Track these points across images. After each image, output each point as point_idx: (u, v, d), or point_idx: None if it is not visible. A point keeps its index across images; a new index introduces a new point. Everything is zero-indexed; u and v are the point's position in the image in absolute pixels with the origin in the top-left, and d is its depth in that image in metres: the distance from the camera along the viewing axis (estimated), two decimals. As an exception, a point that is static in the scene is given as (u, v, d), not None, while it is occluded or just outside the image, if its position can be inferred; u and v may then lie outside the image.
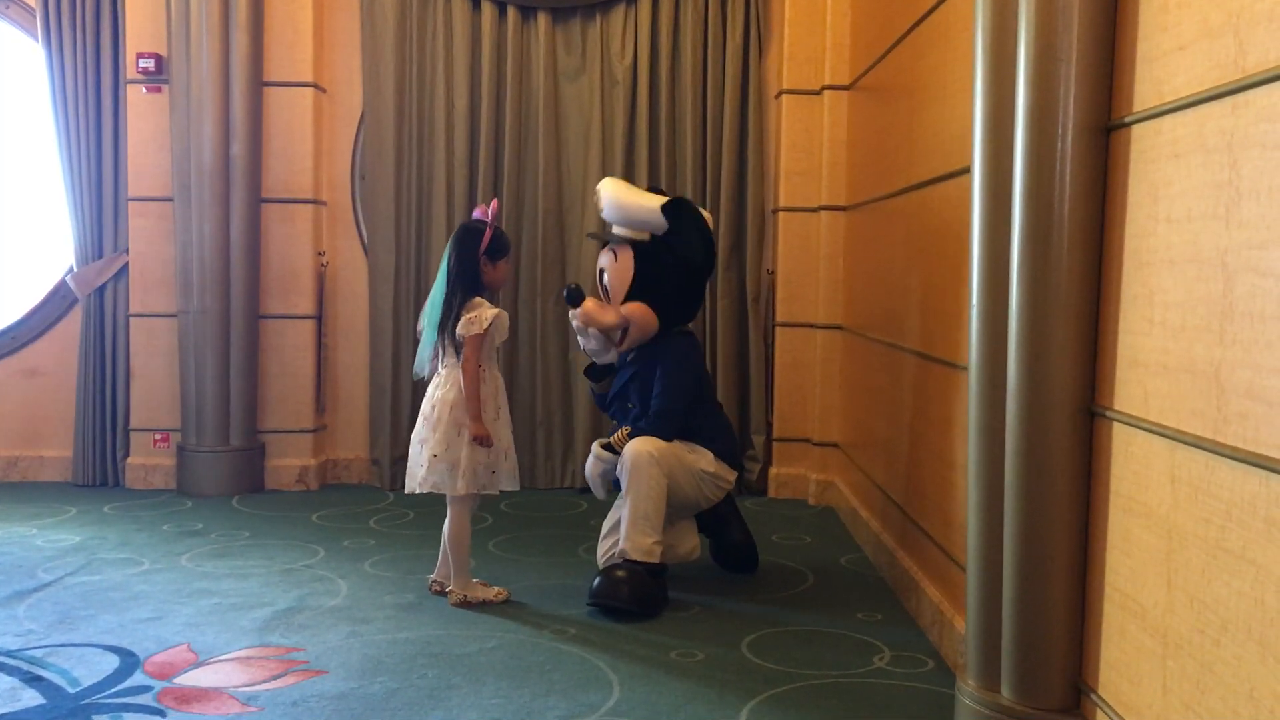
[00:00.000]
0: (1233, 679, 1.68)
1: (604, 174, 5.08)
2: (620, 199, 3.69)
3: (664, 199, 3.67)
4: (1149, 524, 1.95)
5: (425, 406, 3.47)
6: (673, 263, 3.66)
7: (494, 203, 3.54)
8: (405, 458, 5.14)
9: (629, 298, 3.66)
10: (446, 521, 3.48)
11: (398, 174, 5.13)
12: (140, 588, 3.58)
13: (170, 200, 4.95)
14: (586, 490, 4.97)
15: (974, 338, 2.36)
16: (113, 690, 2.75)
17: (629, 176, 5.06)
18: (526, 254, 5.14)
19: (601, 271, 3.76)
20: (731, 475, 3.71)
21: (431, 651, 3.05)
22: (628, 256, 3.67)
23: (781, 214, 5.05)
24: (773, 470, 5.14)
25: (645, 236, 3.68)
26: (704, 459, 3.61)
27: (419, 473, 3.43)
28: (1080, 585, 2.21)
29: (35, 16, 4.99)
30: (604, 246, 3.79)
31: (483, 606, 3.42)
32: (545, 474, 5.17)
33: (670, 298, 3.68)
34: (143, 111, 5.00)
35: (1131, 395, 2.03)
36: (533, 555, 4.06)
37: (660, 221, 3.63)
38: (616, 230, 3.73)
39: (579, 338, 3.82)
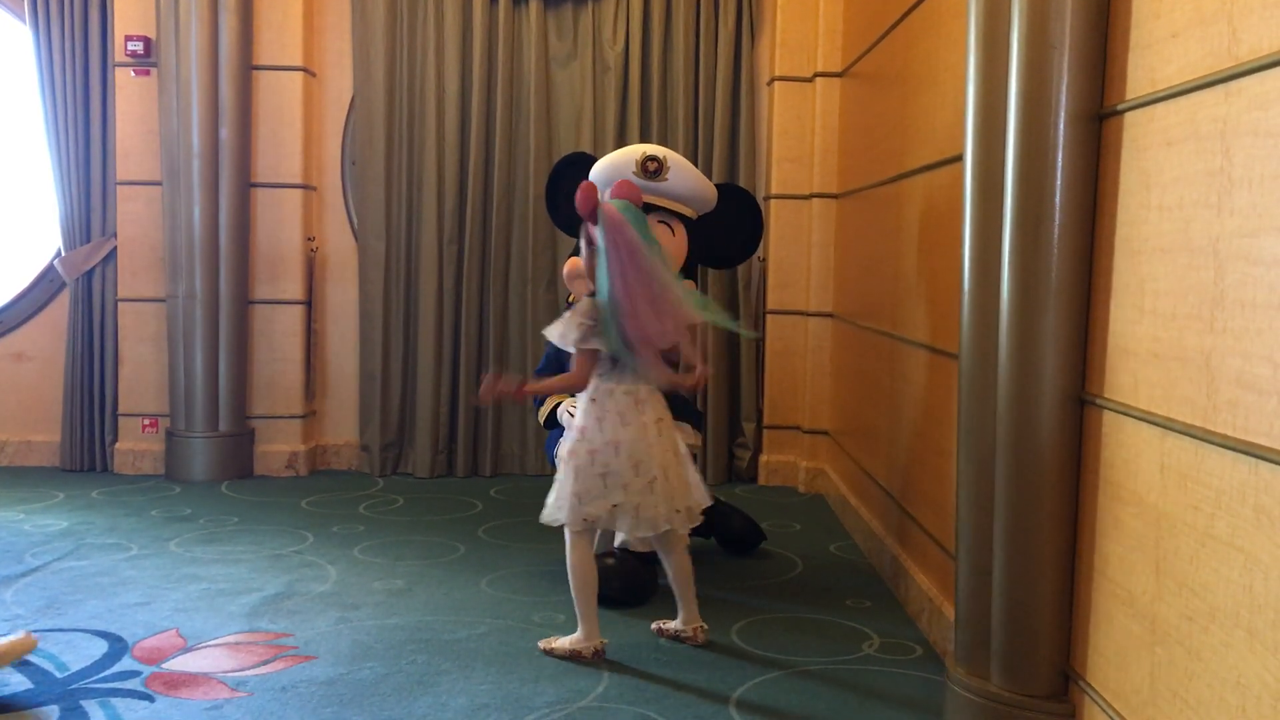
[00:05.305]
0: (1220, 666, 1.68)
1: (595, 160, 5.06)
2: (691, 169, 3.54)
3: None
4: (1138, 511, 1.96)
5: (649, 435, 2.86)
6: (701, 244, 3.60)
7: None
8: (396, 443, 5.19)
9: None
10: (678, 559, 3.04)
11: (388, 159, 5.10)
12: (128, 573, 3.57)
13: (159, 184, 4.92)
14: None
15: (965, 325, 2.36)
16: (101, 675, 2.74)
17: (620, 163, 5.05)
18: (517, 240, 5.12)
19: None
20: (698, 439, 3.72)
21: (421, 637, 3.04)
22: (683, 233, 3.50)
23: (773, 201, 5.04)
24: (763, 458, 5.14)
25: (692, 214, 3.56)
26: (685, 432, 3.60)
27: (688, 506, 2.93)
28: (1069, 572, 2.21)
29: (22, -2, 4.96)
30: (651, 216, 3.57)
31: (478, 599, 3.42)
32: (535, 461, 5.16)
33: (693, 278, 3.64)
34: (131, 95, 4.96)
35: (1122, 383, 2.03)
36: (522, 541, 4.06)
37: (713, 200, 3.55)
38: (673, 204, 3.49)
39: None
